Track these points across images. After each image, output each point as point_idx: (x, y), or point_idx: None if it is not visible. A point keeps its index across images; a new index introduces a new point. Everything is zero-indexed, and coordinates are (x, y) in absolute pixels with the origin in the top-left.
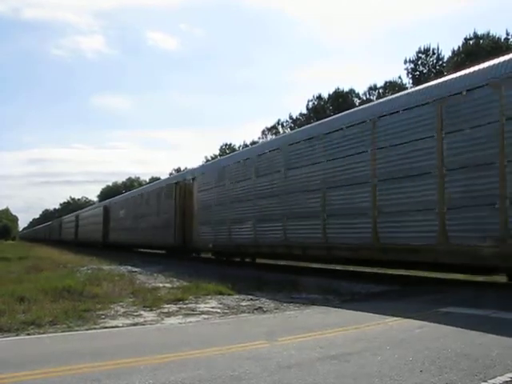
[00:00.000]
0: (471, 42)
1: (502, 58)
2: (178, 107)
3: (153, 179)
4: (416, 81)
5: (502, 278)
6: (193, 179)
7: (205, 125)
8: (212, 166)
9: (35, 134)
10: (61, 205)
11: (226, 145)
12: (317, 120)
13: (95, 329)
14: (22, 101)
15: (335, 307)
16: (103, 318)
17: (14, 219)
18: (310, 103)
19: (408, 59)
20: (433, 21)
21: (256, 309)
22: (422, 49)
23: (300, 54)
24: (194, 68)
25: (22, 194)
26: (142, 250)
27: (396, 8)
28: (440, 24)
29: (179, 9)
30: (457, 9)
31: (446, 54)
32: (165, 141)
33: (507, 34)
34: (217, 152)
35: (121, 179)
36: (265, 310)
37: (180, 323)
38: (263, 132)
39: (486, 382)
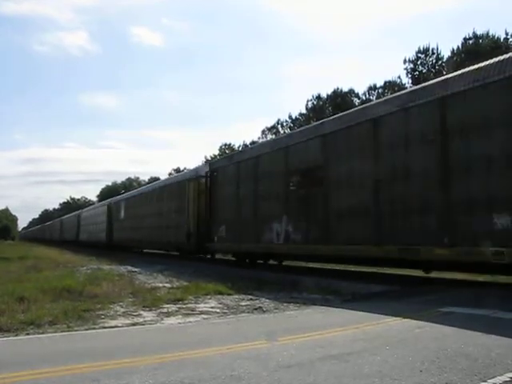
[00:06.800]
0: (470, 42)
1: None
2: (173, 106)
3: (152, 179)
4: (416, 81)
5: (502, 278)
6: None
7: (203, 124)
8: None
9: (26, 134)
10: (60, 205)
11: (225, 145)
12: (317, 120)
13: (95, 329)
14: (12, 100)
15: (335, 307)
16: (103, 318)
17: (14, 219)
18: (310, 103)
19: (408, 59)
20: (433, 17)
21: (256, 309)
22: (422, 49)
23: (299, 52)
24: (185, 65)
25: (19, 194)
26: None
27: (395, 5)
28: (440, 20)
29: (160, 3)
30: (457, 5)
31: (446, 53)
32: (161, 140)
33: (506, 34)
34: (216, 152)
35: (117, 178)
36: (264, 309)
37: (179, 323)
38: (263, 132)
39: (485, 381)
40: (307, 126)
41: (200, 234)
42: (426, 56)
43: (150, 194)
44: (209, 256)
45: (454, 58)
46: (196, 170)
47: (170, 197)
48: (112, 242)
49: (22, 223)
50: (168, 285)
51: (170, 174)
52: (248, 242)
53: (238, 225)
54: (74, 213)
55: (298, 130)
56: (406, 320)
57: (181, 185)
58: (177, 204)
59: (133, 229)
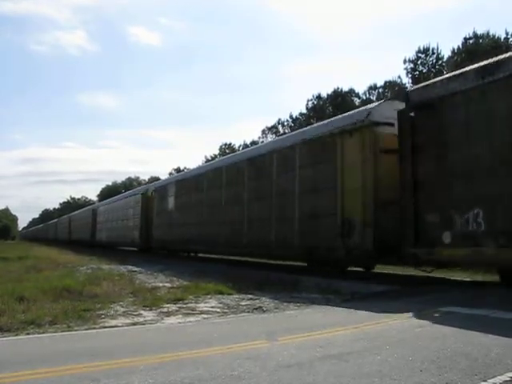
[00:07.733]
0: (471, 42)
1: None
2: (173, 106)
3: (152, 179)
4: (416, 80)
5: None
6: None
7: (203, 124)
8: None
9: (26, 134)
10: (60, 204)
11: (225, 144)
12: (317, 120)
13: (95, 328)
14: (11, 100)
15: (335, 307)
16: (103, 318)
17: (14, 219)
18: (310, 103)
19: (408, 59)
20: (433, 17)
21: (256, 308)
22: (422, 48)
23: (299, 52)
24: (184, 65)
25: (19, 194)
26: None
27: (395, 5)
28: (440, 20)
29: (158, 2)
30: (457, 5)
31: (446, 53)
32: (161, 140)
33: (506, 34)
34: (216, 152)
35: (117, 178)
36: (265, 309)
37: (180, 323)
38: (263, 132)
39: (485, 381)
40: None
41: (379, 230)
42: (426, 56)
43: (233, 169)
44: (366, 269)
45: (455, 58)
46: (363, 111)
47: (287, 167)
48: (150, 243)
49: (22, 223)
50: (168, 284)
51: (170, 173)
52: None
53: None
54: (86, 207)
55: None
56: (406, 320)
57: (321, 143)
58: (308, 177)
59: (192, 225)
